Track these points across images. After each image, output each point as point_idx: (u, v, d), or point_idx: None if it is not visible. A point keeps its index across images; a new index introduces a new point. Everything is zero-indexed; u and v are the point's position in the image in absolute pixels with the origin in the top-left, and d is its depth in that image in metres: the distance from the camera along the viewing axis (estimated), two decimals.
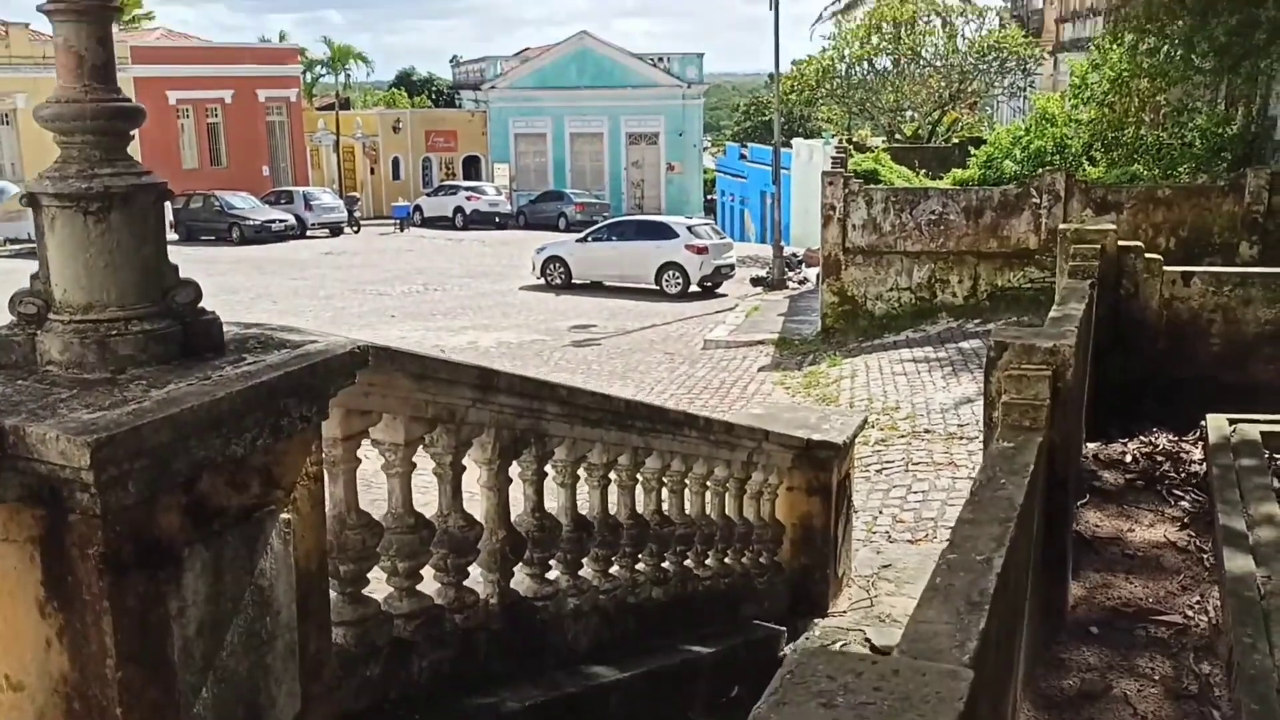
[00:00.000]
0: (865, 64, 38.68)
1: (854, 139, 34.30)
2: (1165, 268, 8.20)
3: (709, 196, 56.48)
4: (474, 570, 3.81)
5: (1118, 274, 8.04)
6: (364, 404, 3.15)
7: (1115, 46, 18.95)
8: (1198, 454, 6.99)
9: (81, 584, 2.21)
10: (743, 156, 51.15)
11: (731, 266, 27.55)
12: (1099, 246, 7.84)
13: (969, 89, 38.76)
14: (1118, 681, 4.46)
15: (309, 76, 56.34)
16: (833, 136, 39.16)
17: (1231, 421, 6.62)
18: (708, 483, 5.58)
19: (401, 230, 43.34)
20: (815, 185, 21.21)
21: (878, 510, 9.68)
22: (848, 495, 7.02)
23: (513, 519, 3.98)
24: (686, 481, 5.37)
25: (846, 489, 6.96)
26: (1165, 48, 17.04)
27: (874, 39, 38.23)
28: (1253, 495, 5.51)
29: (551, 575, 4.29)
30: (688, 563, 5.41)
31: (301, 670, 2.74)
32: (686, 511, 5.39)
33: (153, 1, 65.03)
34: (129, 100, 2.55)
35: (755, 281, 27.52)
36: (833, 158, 23.94)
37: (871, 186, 19.45)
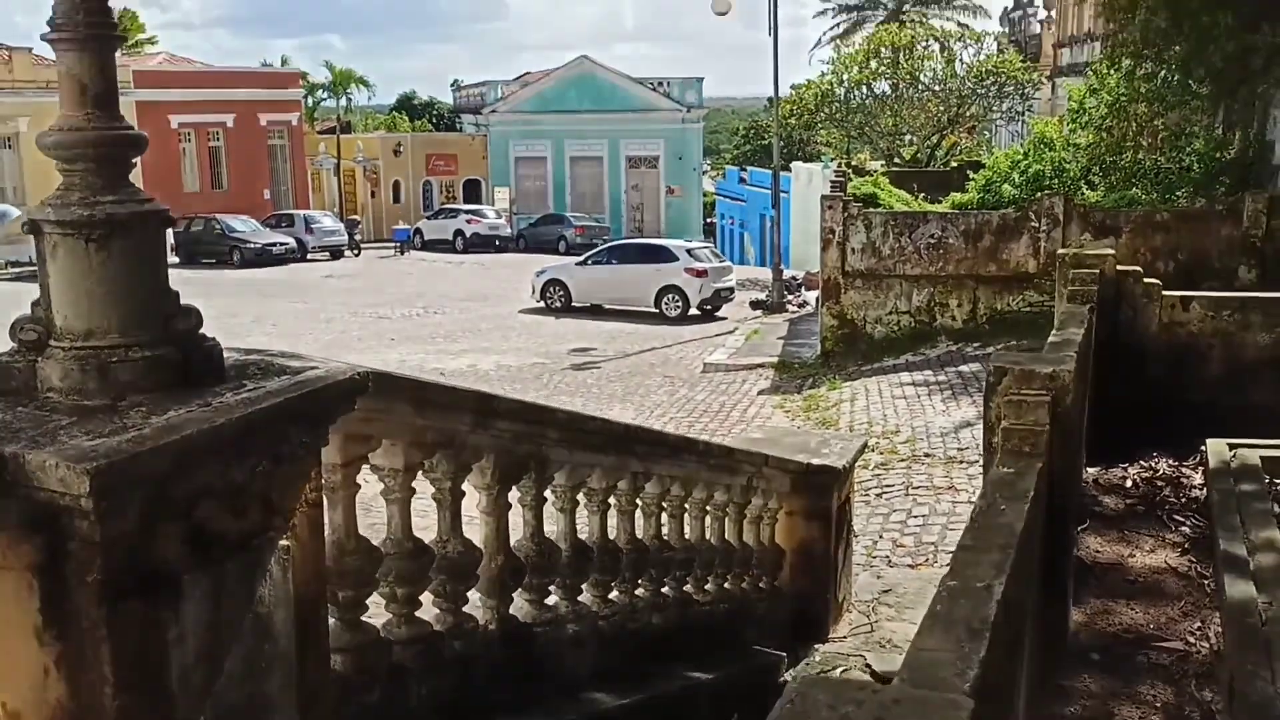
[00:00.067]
0: (864, 88, 38.87)
1: (853, 163, 34.46)
2: (1164, 292, 8.21)
3: (708, 220, 56.64)
4: (473, 596, 3.80)
5: (1117, 298, 8.06)
6: (364, 429, 3.14)
7: (1113, 71, 19.05)
8: (1198, 479, 6.98)
9: (80, 612, 2.21)
10: (742, 180, 51.33)
11: (731, 290, 27.58)
12: (1098, 271, 7.86)
13: (967, 113, 38.95)
14: (1119, 709, 4.44)
15: (310, 100, 56.60)
16: (832, 160, 39.29)
17: (1231, 446, 6.61)
18: (707, 507, 5.56)
19: (402, 253, 43.43)
20: (814, 209, 21.25)
21: (878, 534, 9.65)
22: (848, 519, 7.01)
23: (512, 544, 3.97)
24: (686, 506, 5.35)
25: (846, 513, 6.95)
26: (1163, 73, 17.13)
27: (872, 64, 38.45)
28: (1253, 521, 5.50)
29: (551, 601, 4.27)
30: (687, 588, 5.39)
31: (299, 698, 2.72)
32: (686, 536, 5.38)
33: (155, 26, 65.45)
34: (131, 128, 2.57)
35: (755, 305, 27.55)
36: (832, 181, 24.02)
37: (871, 210, 19.50)
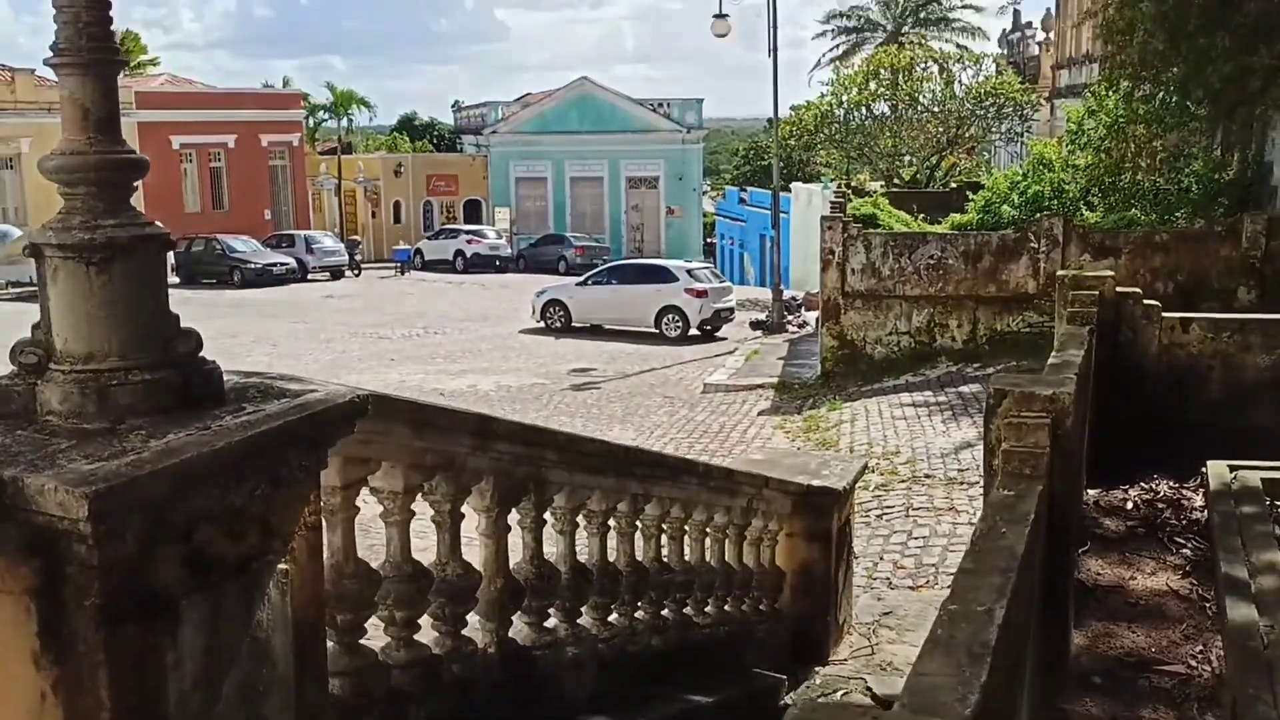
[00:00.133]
0: (863, 109, 39.09)
1: (852, 183, 34.59)
2: (1164, 314, 8.22)
3: (708, 240, 56.75)
4: (472, 619, 3.79)
5: (1116, 320, 8.06)
6: (363, 452, 3.14)
7: (1111, 93, 19.13)
8: (1199, 501, 6.97)
9: (78, 636, 2.20)
10: (742, 200, 51.47)
11: (731, 310, 27.62)
12: (1098, 292, 7.87)
13: (966, 134, 39.13)
14: None
15: (311, 121, 56.84)
16: (831, 181, 39.47)
17: (1232, 468, 6.61)
18: (707, 529, 5.55)
19: (402, 273, 43.53)
20: (814, 229, 21.32)
21: (878, 556, 9.63)
22: (848, 541, 6.99)
23: (511, 567, 3.96)
24: (686, 528, 5.35)
25: (847, 535, 6.93)
26: (1161, 94, 17.18)
27: (872, 85, 38.68)
28: (1254, 543, 5.49)
29: (550, 624, 4.26)
30: (687, 610, 5.38)
31: None
32: (686, 558, 5.37)
33: (158, 48, 65.83)
34: (133, 152, 2.57)
35: (754, 325, 27.57)
36: (831, 202, 24.08)
37: (870, 231, 19.55)
